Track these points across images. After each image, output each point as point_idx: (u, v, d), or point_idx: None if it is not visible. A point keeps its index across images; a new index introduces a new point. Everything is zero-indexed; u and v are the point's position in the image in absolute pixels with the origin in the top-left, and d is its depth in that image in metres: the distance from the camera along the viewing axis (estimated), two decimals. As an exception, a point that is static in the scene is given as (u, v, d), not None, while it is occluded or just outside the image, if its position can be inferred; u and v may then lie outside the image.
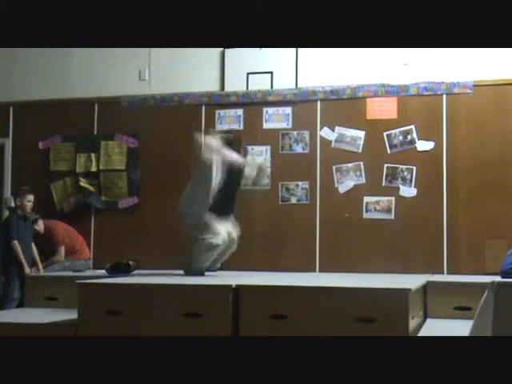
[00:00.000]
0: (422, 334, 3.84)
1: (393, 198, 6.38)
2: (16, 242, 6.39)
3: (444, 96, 6.32)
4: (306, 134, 6.63)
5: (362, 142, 6.48)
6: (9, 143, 7.42)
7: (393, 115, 6.44)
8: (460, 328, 3.34)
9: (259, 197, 6.57)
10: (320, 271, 6.42)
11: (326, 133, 6.58)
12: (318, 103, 6.61)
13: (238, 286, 3.90)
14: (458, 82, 6.28)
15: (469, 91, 6.26)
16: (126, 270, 5.78)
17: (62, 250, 6.86)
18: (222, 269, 5.74)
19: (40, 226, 6.81)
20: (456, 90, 6.29)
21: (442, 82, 6.32)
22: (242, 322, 3.79)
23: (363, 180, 6.45)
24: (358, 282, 4.50)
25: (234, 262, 6.45)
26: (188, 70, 6.96)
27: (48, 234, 6.85)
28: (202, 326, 3.76)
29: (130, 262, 5.92)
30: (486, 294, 2.85)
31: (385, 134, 6.43)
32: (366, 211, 6.40)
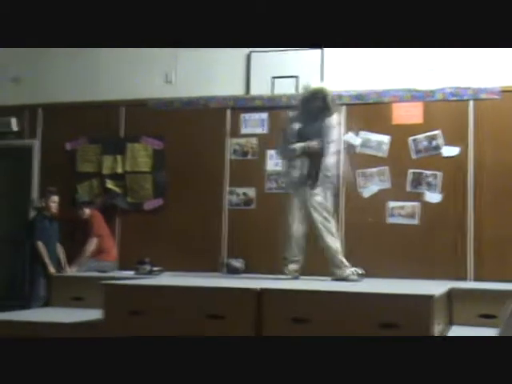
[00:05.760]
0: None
1: (418, 204, 6.34)
2: (40, 243, 6.48)
3: (470, 102, 6.28)
4: (331, 139, 6.62)
5: (386, 147, 6.46)
6: (37, 144, 7.52)
7: (418, 120, 6.41)
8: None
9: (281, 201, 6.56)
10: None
11: (350, 137, 6.57)
12: (344, 107, 6.59)
13: (262, 289, 3.90)
14: (484, 88, 6.23)
15: (496, 97, 6.20)
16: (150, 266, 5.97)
17: (94, 242, 6.82)
18: None
19: (86, 211, 6.90)
20: (482, 96, 6.24)
21: (469, 88, 6.28)
22: (265, 325, 3.79)
23: (388, 185, 6.43)
24: (381, 287, 4.48)
25: (257, 265, 6.47)
26: (214, 74, 6.99)
27: (86, 220, 6.90)
28: (224, 328, 3.77)
29: (155, 268, 6.03)
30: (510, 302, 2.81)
31: (410, 139, 6.41)
32: (391, 216, 6.37)
